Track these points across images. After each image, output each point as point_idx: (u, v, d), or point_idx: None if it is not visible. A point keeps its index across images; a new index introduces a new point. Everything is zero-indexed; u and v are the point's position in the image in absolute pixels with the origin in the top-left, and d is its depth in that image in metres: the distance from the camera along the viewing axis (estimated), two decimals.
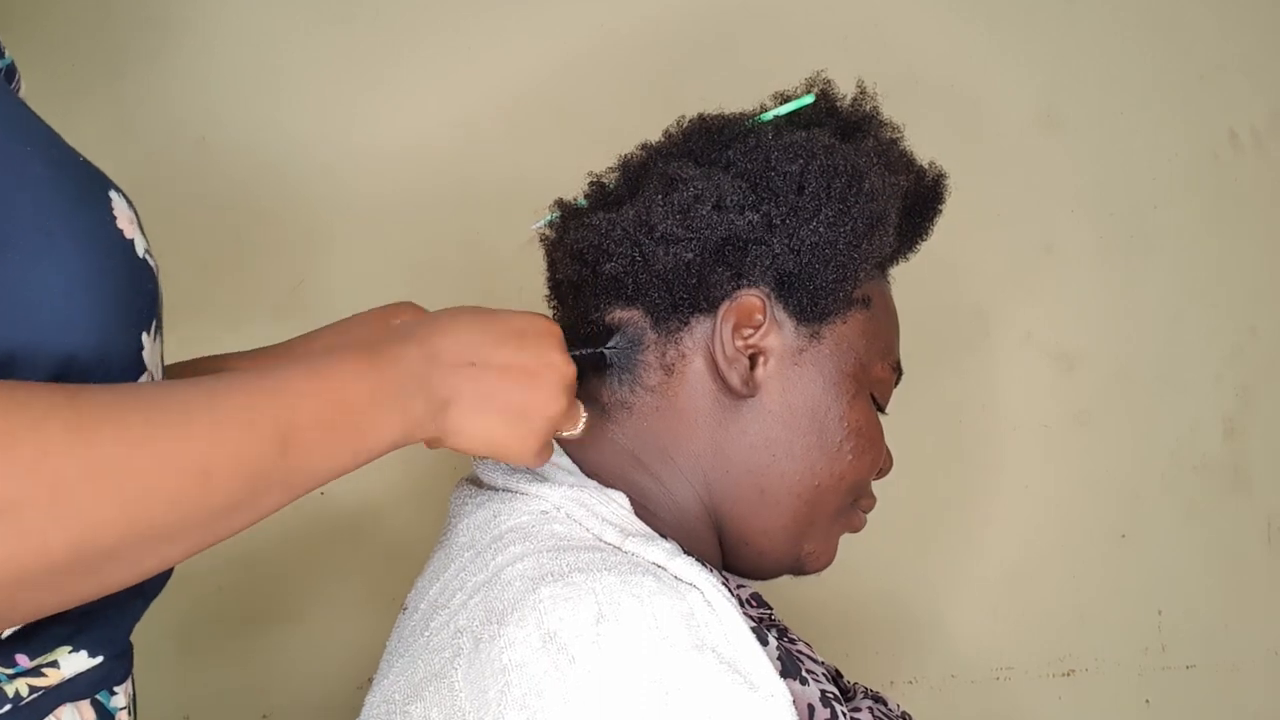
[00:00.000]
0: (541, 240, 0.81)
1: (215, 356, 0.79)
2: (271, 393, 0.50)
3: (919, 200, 0.81)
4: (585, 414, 0.67)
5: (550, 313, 0.81)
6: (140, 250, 0.54)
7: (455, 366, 0.59)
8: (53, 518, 0.42)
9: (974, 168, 1.29)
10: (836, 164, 0.71)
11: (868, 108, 0.79)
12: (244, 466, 0.48)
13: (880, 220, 0.73)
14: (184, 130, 1.13)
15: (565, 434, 0.67)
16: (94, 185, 0.53)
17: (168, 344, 0.65)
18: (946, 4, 1.39)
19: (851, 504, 0.78)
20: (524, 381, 0.62)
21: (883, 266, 0.80)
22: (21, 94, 0.59)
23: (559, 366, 0.63)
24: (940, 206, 0.82)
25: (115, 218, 0.53)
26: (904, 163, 0.78)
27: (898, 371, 0.79)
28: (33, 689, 0.52)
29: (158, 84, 1.12)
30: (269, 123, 1.15)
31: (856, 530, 0.80)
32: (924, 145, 0.82)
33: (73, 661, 0.54)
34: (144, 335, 0.54)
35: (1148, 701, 1.42)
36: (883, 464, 0.79)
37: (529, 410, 0.62)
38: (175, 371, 0.75)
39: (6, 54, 0.58)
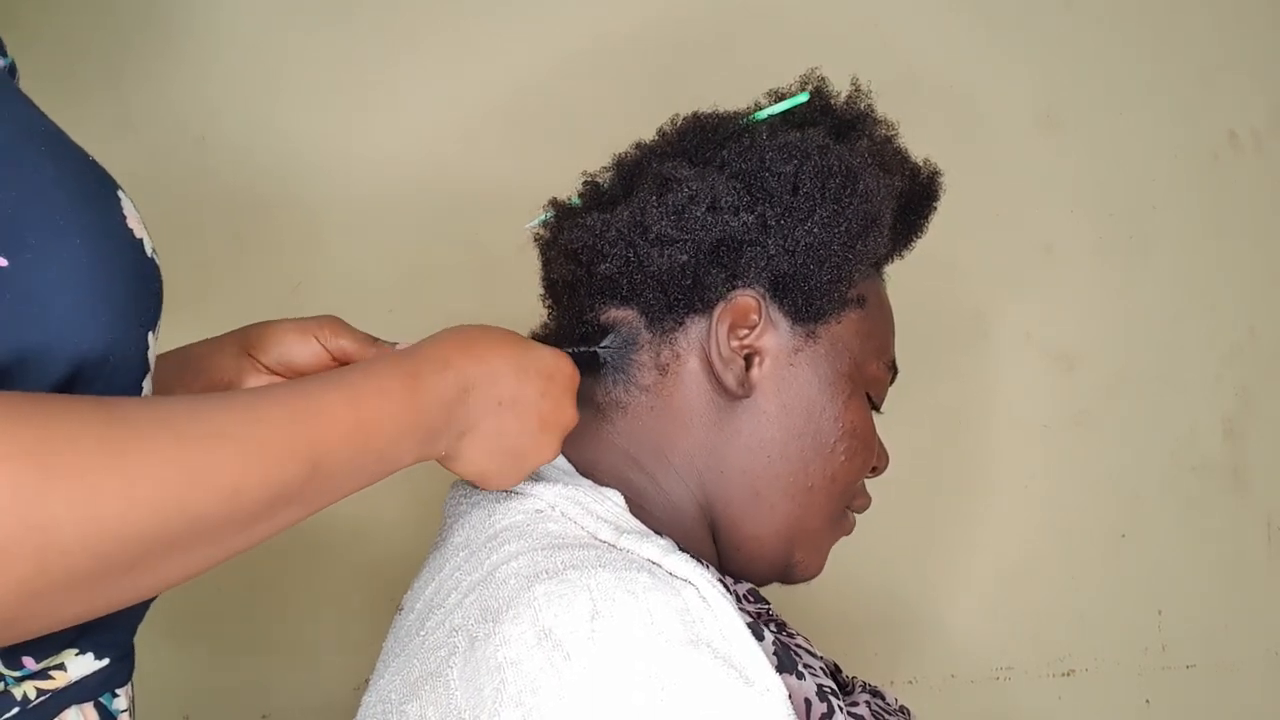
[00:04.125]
0: (536, 240, 0.81)
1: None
2: (310, 416, 0.51)
3: (914, 199, 0.81)
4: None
5: (544, 312, 0.81)
6: (148, 250, 0.54)
7: (483, 404, 0.61)
8: (84, 531, 0.42)
9: (973, 168, 1.29)
10: (831, 164, 0.71)
11: (862, 106, 0.79)
12: (272, 487, 0.48)
13: (875, 220, 0.73)
14: (184, 130, 1.13)
15: None
16: (103, 185, 0.53)
17: (165, 344, 0.66)
18: (946, 4, 1.39)
19: (844, 510, 0.78)
20: (534, 427, 0.64)
21: (878, 265, 0.80)
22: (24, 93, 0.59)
23: (568, 415, 0.66)
24: (935, 204, 0.82)
25: (125, 217, 0.53)
26: (898, 161, 0.78)
27: (893, 370, 0.80)
28: (40, 692, 0.52)
29: (158, 84, 1.12)
30: (269, 123, 1.16)
31: (847, 533, 0.80)
32: (923, 145, 0.82)
33: (79, 664, 0.54)
34: (150, 335, 0.54)
35: (1148, 701, 1.42)
36: (877, 462, 0.80)
37: (528, 454, 0.65)
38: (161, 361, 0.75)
39: (8, 53, 0.58)
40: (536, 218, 0.81)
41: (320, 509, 0.53)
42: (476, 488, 0.73)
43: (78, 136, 0.54)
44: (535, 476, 0.70)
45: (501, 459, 0.63)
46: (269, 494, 0.48)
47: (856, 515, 0.81)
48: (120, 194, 0.54)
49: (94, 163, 0.54)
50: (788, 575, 0.78)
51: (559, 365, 0.66)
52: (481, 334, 0.64)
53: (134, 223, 0.53)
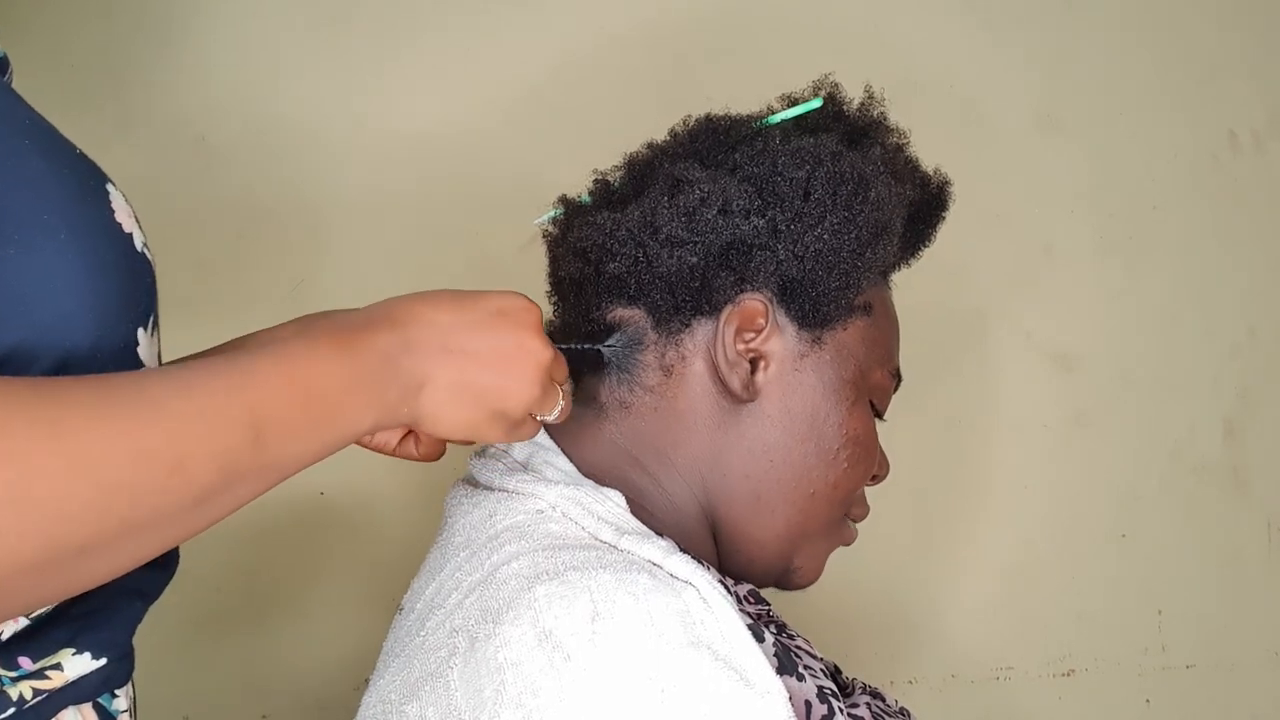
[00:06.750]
0: (544, 236, 0.81)
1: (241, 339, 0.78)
2: (241, 382, 0.50)
3: (923, 208, 0.81)
4: (564, 400, 0.67)
5: (551, 309, 0.81)
6: (139, 244, 0.54)
7: (429, 353, 0.59)
8: (23, 515, 0.41)
9: (974, 169, 1.28)
10: (843, 171, 0.71)
11: (875, 113, 0.79)
12: (217, 457, 0.47)
13: (885, 229, 0.73)
14: (184, 129, 1.13)
15: (545, 418, 0.66)
16: (92, 179, 0.53)
17: (165, 343, 0.65)
18: (945, 6, 1.39)
19: (843, 517, 0.78)
20: (499, 367, 0.61)
21: (885, 273, 0.80)
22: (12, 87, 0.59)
23: (534, 350, 0.63)
24: (944, 214, 0.82)
25: (114, 211, 0.53)
26: (910, 170, 0.78)
27: (897, 378, 0.80)
28: (36, 692, 0.52)
29: (157, 83, 1.12)
30: (269, 122, 1.15)
31: (848, 544, 0.80)
32: (924, 147, 0.82)
33: (76, 664, 0.54)
34: (140, 331, 0.53)
35: (1148, 701, 1.42)
36: (878, 470, 0.80)
37: (504, 396, 0.62)
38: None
39: (0, 47, 0.58)
40: (546, 214, 0.80)
41: (277, 479, 0.52)
42: (478, 486, 0.73)
43: (77, 136, 0.54)
44: (536, 476, 0.70)
45: (474, 406, 0.61)
46: (215, 463, 0.47)
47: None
48: (110, 188, 0.53)
49: (83, 156, 0.53)
50: (785, 580, 0.78)
51: (510, 301, 0.63)
52: (417, 294, 0.62)
53: (124, 217, 0.53)
